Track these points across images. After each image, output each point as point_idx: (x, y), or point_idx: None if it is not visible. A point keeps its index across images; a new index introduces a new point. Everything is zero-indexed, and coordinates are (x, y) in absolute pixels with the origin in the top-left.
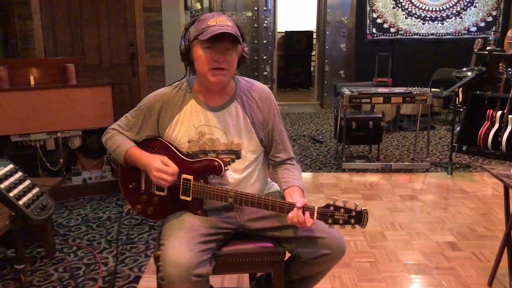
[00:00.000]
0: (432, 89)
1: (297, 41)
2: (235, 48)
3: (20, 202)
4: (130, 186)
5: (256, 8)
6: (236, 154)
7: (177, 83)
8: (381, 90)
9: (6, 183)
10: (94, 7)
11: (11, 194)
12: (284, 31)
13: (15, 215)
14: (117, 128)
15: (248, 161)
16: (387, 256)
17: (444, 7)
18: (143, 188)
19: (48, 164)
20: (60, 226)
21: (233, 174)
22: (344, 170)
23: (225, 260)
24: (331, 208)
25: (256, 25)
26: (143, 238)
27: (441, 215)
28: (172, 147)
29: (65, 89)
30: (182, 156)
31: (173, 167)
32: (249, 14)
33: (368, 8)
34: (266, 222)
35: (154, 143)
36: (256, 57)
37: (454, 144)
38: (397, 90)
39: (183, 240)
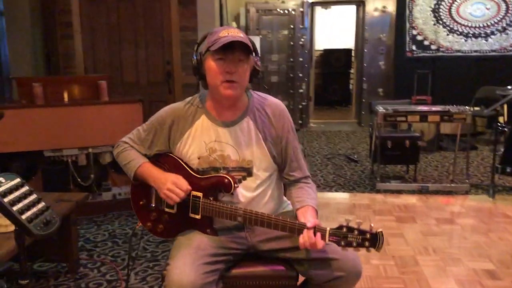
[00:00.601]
0: (475, 108)
1: (335, 58)
2: (247, 59)
3: (23, 217)
4: (141, 203)
5: (292, 27)
6: (247, 172)
7: (190, 98)
8: (417, 108)
9: (11, 197)
10: (132, 26)
11: (14, 208)
12: (322, 49)
13: (18, 229)
14: (129, 142)
15: (260, 179)
16: (418, 282)
17: (488, 23)
18: (153, 205)
19: (79, 180)
20: (87, 241)
21: (244, 192)
22: (378, 191)
23: (234, 282)
24: (344, 229)
25: (292, 43)
26: (166, 255)
27: (480, 240)
28: (183, 163)
29: (97, 106)
30: (192, 173)
31: (187, 185)
32: (286, 32)
33: (407, 25)
34: (278, 243)
35: (165, 159)
36: (291, 75)
37: (496, 165)
38: (434, 108)
39: (188, 261)
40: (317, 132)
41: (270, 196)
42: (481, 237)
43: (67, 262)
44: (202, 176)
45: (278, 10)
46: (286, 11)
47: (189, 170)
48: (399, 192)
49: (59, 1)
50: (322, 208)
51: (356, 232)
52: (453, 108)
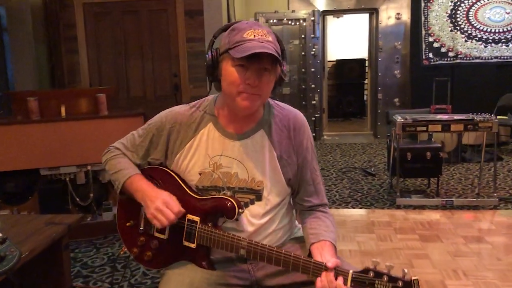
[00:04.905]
0: (498, 116)
1: (349, 69)
2: (274, 69)
3: None
4: (128, 224)
5: (303, 36)
6: (256, 195)
7: (196, 102)
8: (439, 116)
9: None
10: (138, 39)
11: None
12: (335, 59)
13: None
14: (121, 148)
15: (271, 205)
16: None
17: (509, 28)
18: (141, 228)
19: (78, 199)
20: (84, 266)
21: (251, 219)
22: (398, 207)
23: None
24: (371, 274)
25: (303, 53)
26: None
27: None
28: (179, 180)
29: (96, 120)
30: (190, 192)
31: (179, 207)
32: (296, 42)
33: (423, 32)
34: (288, 277)
35: (158, 173)
36: (303, 86)
37: None
38: (457, 116)
39: None
40: (331, 145)
41: (279, 224)
42: None
43: None
44: (201, 197)
45: (288, 19)
46: (296, 21)
47: (186, 188)
48: (421, 207)
49: (63, 16)
50: (338, 226)
51: (385, 278)
52: (478, 116)
